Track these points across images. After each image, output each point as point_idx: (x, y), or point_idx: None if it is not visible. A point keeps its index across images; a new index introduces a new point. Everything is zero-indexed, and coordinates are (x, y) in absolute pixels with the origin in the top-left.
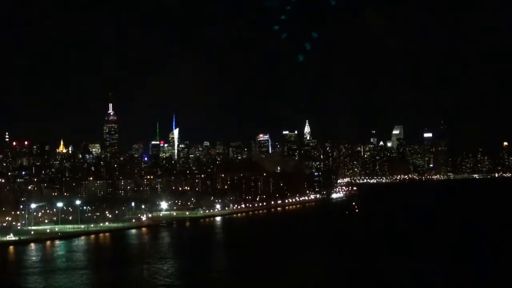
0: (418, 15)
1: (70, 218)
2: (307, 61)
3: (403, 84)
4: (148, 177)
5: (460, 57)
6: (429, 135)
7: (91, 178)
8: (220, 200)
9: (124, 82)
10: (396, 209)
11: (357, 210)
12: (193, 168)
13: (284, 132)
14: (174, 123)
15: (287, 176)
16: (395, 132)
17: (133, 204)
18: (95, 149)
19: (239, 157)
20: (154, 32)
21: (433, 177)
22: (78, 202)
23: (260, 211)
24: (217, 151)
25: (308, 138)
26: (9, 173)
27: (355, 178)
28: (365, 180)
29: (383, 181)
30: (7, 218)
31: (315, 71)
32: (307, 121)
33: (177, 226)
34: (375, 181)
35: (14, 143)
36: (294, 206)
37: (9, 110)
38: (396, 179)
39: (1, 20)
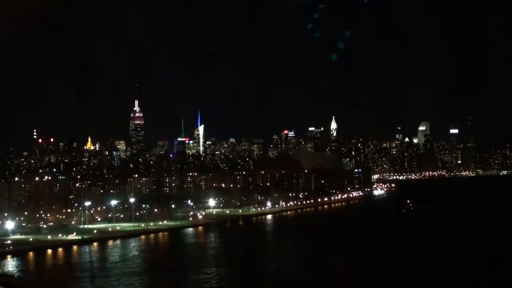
0: (447, 10)
1: (122, 216)
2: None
3: (427, 80)
4: (191, 174)
5: (486, 52)
6: (455, 131)
7: (136, 175)
8: (269, 198)
9: (150, 79)
10: (450, 206)
11: (412, 208)
12: (223, 165)
13: (310, 129)
14: (199, 120)
15: (328, 173)
16: (421, 128)
17: (189, 202)
18: (120, 146)
19: (263, 153)
20: (181, 29)
21: (461, 173)
22: (132, 200)
23: (308, 209)
24: (242, 147)
25: (334, 134)
26: (40, 170)
27: (384, 174)
28: (394, 177)
29: (412, 177)
30: (57, 216)
31: (340, 66)
32: (333, 117)
33: (230, 224)
34: (404, 178)
35: (40, 140)
36: (339, 204)
37: (36, 108)
38: (425, 175)
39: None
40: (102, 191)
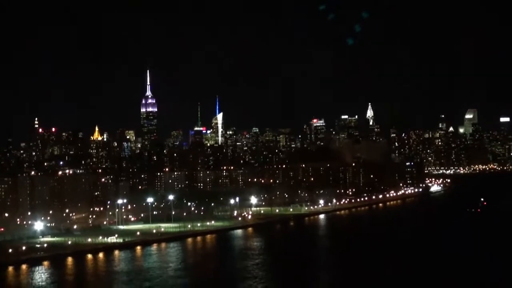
0: None
1: (155, 214)
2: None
3: (473, 64)
4: (226, 167)
5: None
6: (507, 119)
7: (166, 169)
8: (321, 195)
9: (162, 62)
10: None
11: (486, 206)
12: (248, 157)
13: (342, 117)
14: (217, 107)
15: (377, 166)
16: (468, 116)
17: (231, 199)
18: (129, 136)
19: (293, 145)
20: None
21: None
22: (170, 197)
23: (362, 208)
24: (267, 138)
25: (371, 123)
26: (45, 163)
27: (429, 168)
28: (440, 171)
29: (461, 171)
30: (87, 215)
31: (376, 50)
32: (369, 104)
33: (282, 225)
34: (451, 172)
35: (40, 130)
36: (394, 202)
37: (38, 96)
38: (475, 169)
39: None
40: (130, 187)
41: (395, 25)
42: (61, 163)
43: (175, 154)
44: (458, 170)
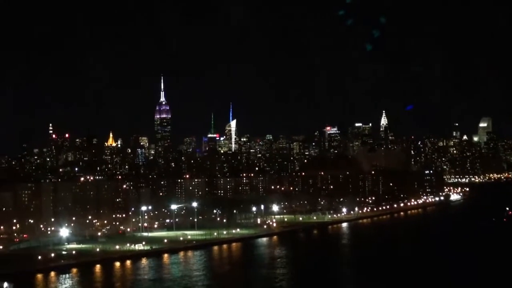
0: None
1: (177, 221)
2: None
3: (488, 70)
4: (245, 174)
5: None
6: None
7: (186, 176)
8: (344, 204)
9: (176, 69)
10: None
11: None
12: (263, 164)
13: (356, 124)
14: (231, 114)
15: (397, 175)
16: (483, 125)
17: (253, 207)
18: (143, 142)
19: (306, 152)
20: (217, 14)
21: None
22: (194, 204)
23: (384, 216)
24: (280, 145)
25: (388, 132)
26: (60, 170)
27: (445, 176)
28: (455, 179)
29: (476, 180)
30: (111, 222)
31: (385, 55)
32: (384, 112)
33: (306, 234)
34: (466, 181)
35: (54, 136)
36: (415, 211)
37: (52, 101)
38: (490, 178)
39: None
40: (150, 194)
41: (407, 29)
42: (76, 169)
43: (192, 161)
44: (473, 179)
